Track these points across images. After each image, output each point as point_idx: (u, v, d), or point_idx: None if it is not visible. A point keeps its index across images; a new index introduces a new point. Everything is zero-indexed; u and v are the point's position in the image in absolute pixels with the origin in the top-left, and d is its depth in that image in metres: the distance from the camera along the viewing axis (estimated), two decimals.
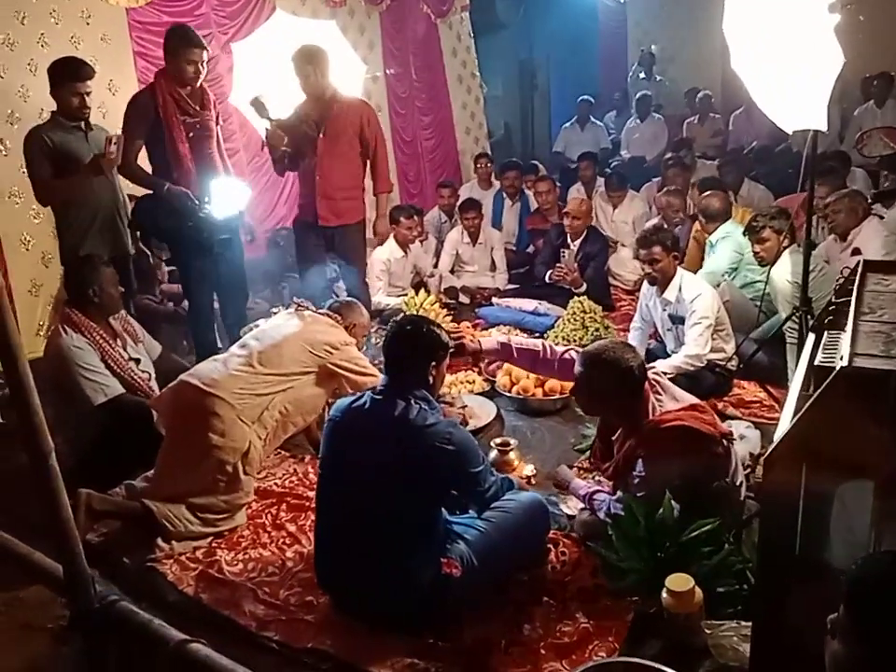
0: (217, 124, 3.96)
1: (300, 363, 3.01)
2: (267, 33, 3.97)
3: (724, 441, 2.43)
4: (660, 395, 2.48)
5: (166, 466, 2.85)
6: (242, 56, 3.96)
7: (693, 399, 2.54)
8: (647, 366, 3.49)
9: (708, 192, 4.73)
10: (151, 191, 3.75)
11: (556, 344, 4.23)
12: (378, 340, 4.29)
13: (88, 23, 4.43)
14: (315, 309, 3.33)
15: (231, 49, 4.14)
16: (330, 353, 3.07)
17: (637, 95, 8.45)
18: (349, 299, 3.63)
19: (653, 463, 2.35)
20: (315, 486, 2.72)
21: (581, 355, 2.51)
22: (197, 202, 3.69)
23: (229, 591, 2.49)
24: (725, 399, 3.73)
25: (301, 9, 5.64)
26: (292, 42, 3.83)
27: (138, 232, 4.14)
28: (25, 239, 4.11)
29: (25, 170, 4.05)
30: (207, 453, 2.76)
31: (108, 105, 4.41)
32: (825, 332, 1.92)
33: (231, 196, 3.80)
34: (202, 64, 3.68)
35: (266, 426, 2.93)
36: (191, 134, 3.73)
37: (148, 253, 4.41)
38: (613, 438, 2.57)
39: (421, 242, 5.82)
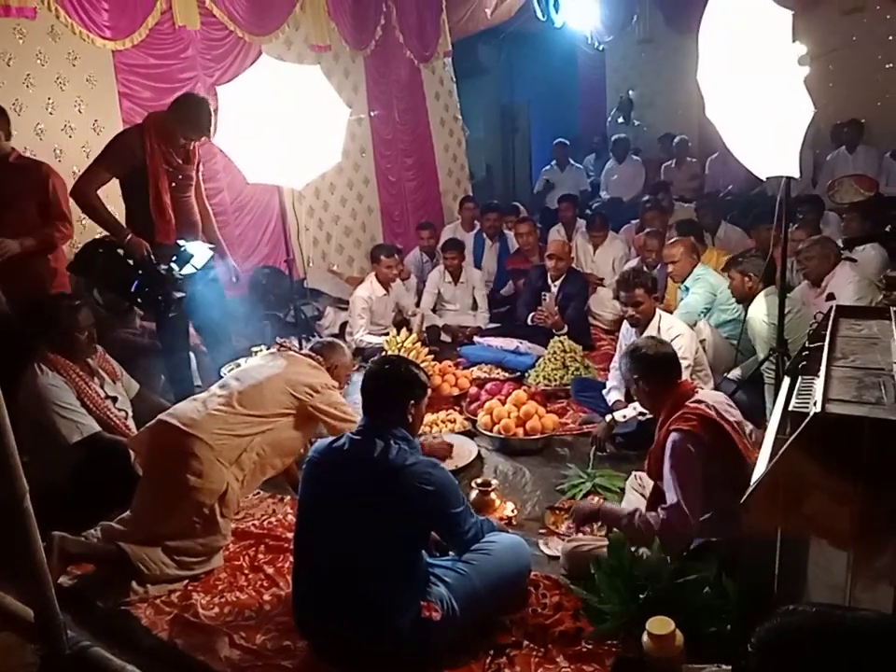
0: (198, 171, 4.01)
1: (280, 405, 2.99)
2: (252, 76, 4.01)
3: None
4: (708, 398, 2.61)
5: (143, 507, 2.81)
6: (227, 99, 4.00)
7: None
8: (631, 407, 3.60)
9: (673, 240, 4.82)
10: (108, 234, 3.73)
11: (537, 383, 4.31)
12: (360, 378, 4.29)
13: (74, 65, 4.46)
14: (297, 349, 3.33)
15: (216, 91, 4.18)
16: (311, 395, 3.05)
17: (614, 138, 8.63)
18: (332, 339, 3.63)
19: (682, 439, 2.43)
20: (293, 527, 2.69)
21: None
22: (154, 258, 3.67)
23: (204, 635, 2.45)
24: None
25: (286, 54, 5.75)
26: (277, 86, 3.89)
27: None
28: None
29: None
30: (185, 494, 2.72)
31: (92, 145, 4.43)
32: (799, 377, 1.95)
33: (192, 256, 3.80)
34: (197, 143, 3.84)
35: (244, 467, 2.90)
36: (174, 184, 3.78)
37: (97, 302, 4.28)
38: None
39: (403, 280, 5.87)
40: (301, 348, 4.02)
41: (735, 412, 2.65)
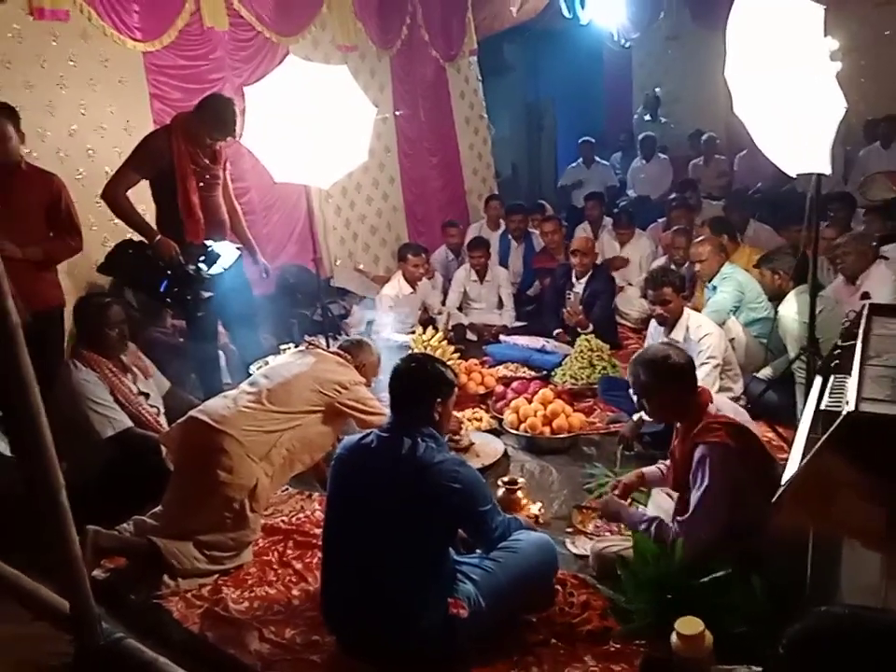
0: (225, 170, 4.05)
1: (308, 402, 3.02)
2: (280, 77, 4.04)
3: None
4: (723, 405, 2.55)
5: (174, 502, 2.86)
6: (254, 99, 4.04)
7: None
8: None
9: (700, 239, 4.76)
10: (139, 234, 3.78)
11: (563, 382, 4.30)
12: (385, 376, 4.31)
13: (105, 66, 4.53)
14: (325, 348, 3.36)
15: (243, 91, 4.23)
16: (339, 392, 3.08)
17: (641, 136, 8.56)
18: (359, 338, 3.65)
19: (712, 449, 2.36)
20: (321, 524, 2.71)
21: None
22: (182, 258, 3.72)
23: (234, 629, 2.48)
24: None
25: (313, 54, 5.78)
26: (304, 86, 3.92)
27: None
28: None
29: None
30: (215, 489, 2.76)
31: (124, 146, 4.48)
32: (832, 375, 1.93)
33: (220, 256, 3.85)
34: (224, 143, 3.87)
35: (273, 462, 2.93)
36: (201, 184, 3.83)
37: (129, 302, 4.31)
38: (672, 447, 2.58)
39: (428, 279, 5.88)
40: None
41: (745, 414, 2.62)
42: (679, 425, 2.63)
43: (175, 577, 2.68)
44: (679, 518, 2.45)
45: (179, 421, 2.98)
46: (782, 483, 1.68)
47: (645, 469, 2.93)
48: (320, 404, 3.05)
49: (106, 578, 2.74)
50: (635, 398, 2.72)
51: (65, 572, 1.78)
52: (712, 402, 2.53)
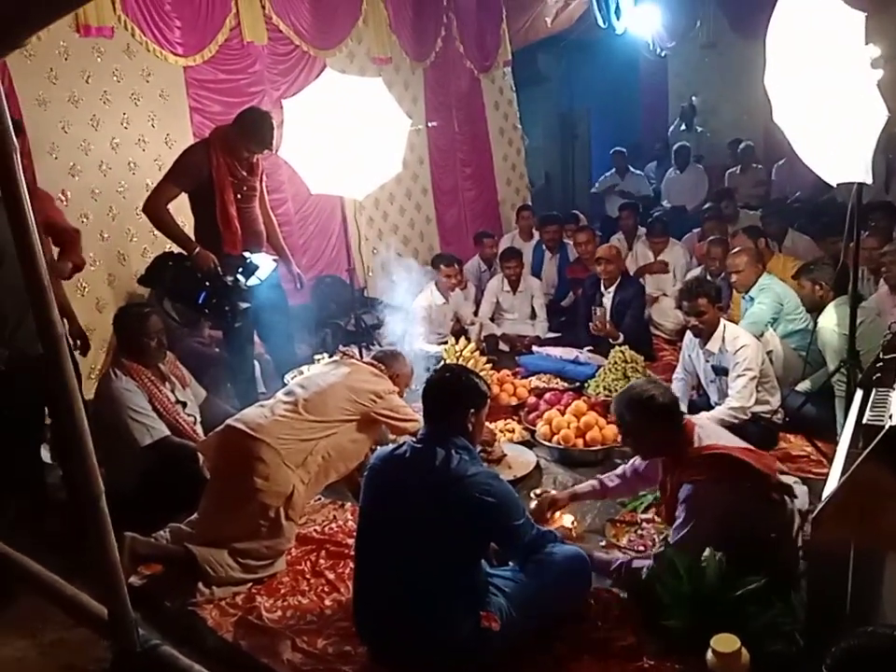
0: (262, 182, 4.12)
1: (343, 411, 3.05)
2: (317, 89, 4.10)
3: (782, 490, 2.40)
4: (705, 433, 2.51)
5: (210, 509, 2.90)
6: (292, 111, 4.10)
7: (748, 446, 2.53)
8: (693, 418, 3.54)
9: (737, 249, 4.70)
10: (178, 247, 3.85)
11: (597, 393, 4.26)
12: (418, 387, 4.32)
13: (147, 81, 4.65)
14: (359, 358, 3.38)
15: (282, 104, 4.30)
16: (374, 402, 3.11)
17: (676, 146, 8.49)
18: (393, 349, 3.68)
19: (696, 489, 2.35)
20: (354, 533, 2.72)
21: (614, 400, 2.63)
22: (220, 269, 3.78)
23: (267, 638, 2.50)
24: (771, 453, 3.65)
25: (349, 67, 5.85)
26: (341, 99, 3.97)
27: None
28: (81, 285, 4.26)
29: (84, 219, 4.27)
30: (251, 496, 2.79)
31: (164, 158, 4.60)
32: (873, 389, 1.89)
33: (258, 268, 3.91)
34: (261, 156, 3.93)
35: (309, 470, 2.96)
36: (239, 196, 3.89)
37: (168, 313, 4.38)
38: (661, 480, 2.57)
39: (461, 289, 5.88)
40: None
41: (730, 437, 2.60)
42: (662, 460, 2.63)
43: (209, 585, 2.70)
44: (655, 552, 2.46)
45: (217, 429, 3.02)
46: (822, 498, 1.65)
47: (577, 488, 3.00)
48: (355, 413, 3.07)
49: (143, 584, 2.78)
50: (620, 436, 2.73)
51: (104, 578, 1.81)
52: (696, 431, 2.50)
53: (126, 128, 4.56)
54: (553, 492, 3.05)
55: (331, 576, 2.84)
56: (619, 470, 2.97)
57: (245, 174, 3.92)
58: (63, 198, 4.17)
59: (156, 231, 4.30)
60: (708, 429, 2.57)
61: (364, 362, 3.35)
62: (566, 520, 3.01)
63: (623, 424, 2.58)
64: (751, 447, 2.51)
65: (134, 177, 4.58)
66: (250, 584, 2.78)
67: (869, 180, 2.82)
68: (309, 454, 2.94)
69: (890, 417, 1.53)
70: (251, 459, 2.81)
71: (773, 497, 2.37)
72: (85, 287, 4.25)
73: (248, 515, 2.80)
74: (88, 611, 2.08)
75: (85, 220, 4.30)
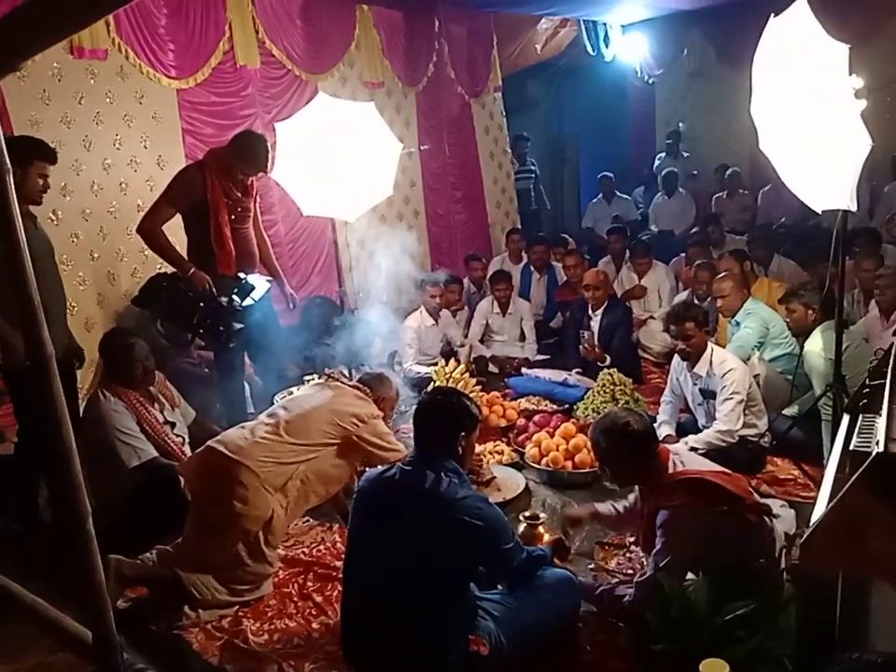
0: (256, 203, 4.14)
1: (325, 434, 3.01)
2: (309, 113, 4.14)
3: (760, 512, 2.41)
4: (681, 460, 2.53)
5: (192, 533, 2.86)
6: (284, 135, 4.13)
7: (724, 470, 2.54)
8: (682, 442, 3.57)
9: (722, 274, 4.75)
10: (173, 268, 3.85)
11: (586, 416, 4.27)
12: (407, 408, 4.32)
13: (140, 103, 4.66)
14: (345, 381, 3.37)
15: (274, 127, 4.33)
16: (357, 425, 3.06)
17: (663, 172, 8.59)
18: (380, 372, 3.66)
19: (672, 514, 2.37)
20: (342, 556, 2.71)
21: (590, 428, 2.64)
22: (215, 290, 3.78)
23: (254, 662, 2.47)
24: (759, 476, 3.67)
25: (341, 91, 5.90)
26: (333, 122, 4.01)
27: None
28: (71, 305, 4.24)
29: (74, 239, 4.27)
30: (231, 521, 2.76)
31: (156, 179, 4.61)
32: (860, 415, 1.91)
33: (254, 288, 3.93)
34: (255, 178, 3.95)
35: (288, 494, 2.91)
36: (233, 217, 3.91)
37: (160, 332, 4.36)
38: (640, 508, 2.58)
39: (454, 312, 5.90)
40: (350, 377, 4.07)
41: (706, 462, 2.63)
42: (640, 488, 2.65)
43: (195, 608, 2.68)
44: (637, 580, 2.46)
45: (197, 451, 3.00)
46: (810, 523, 1.66)
47: (598, 506, 2.95)
48: (337, 437, 3.03)
49: (128, 607, 2.75)
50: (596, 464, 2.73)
51: (89, 601, 1.79)
52: (672, 458, 2.51)
53: (118, 149, 4.57)
54: (577, 507, 3.00)
55: (319, 599, 2.82)
56: (631, 498, 2.92)
57: (239, 195, 3.94)
58: (55, 218, 4.16)
59: (146, 252, 4.30)
60: (684, 456, 2.59)
61: (349, 385, 3.31)
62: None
63: (599, 451, 2.59)
64: (727, 471, 2.52)
65: (126, 198, 4.58)
66: (237, 607, 2.76)
67: (854, 207, 2.86)
68: (289, 477, 2.89)
69: (877, 444, 1.54)
70: (230, 482, 2.77)
71: (750, 518, 2.38)
72: (75, 307, 4.23)
73: (229, 540, 2.76)
74: (71, 635, 2.05)
75: (75, 240, 4.29)
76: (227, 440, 2.93)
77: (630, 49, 8.84)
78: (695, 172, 9.05)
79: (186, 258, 3.88)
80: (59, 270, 3.47)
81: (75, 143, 4.32)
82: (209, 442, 2.96)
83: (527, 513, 3.07)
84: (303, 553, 3.16)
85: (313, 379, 4.12)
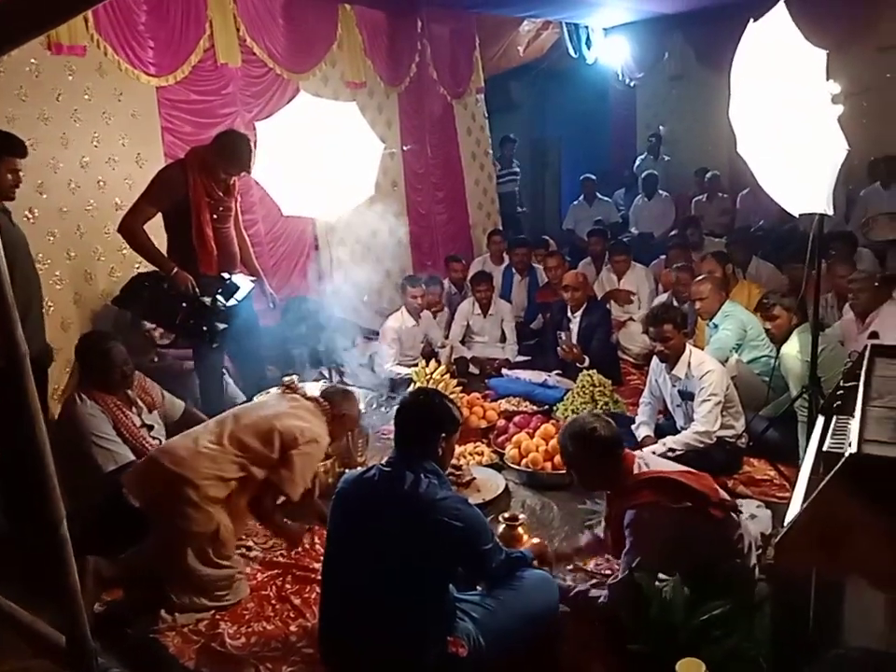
0: (236, 202, 4.12)
1: (268, 446, 2.88)
2: (290, 113, 4.12)
3: (725, 508, 2.44)
4: (645, 463, 2.56)
5: (150, 547, 2.80)
6: (265, 134, 4.11)
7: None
8: (661, 443, 3.60)
9: (701, 277, 4.79)
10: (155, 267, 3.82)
11: (566, 416, 4.29)
12: (388, 408, 4.31)
13: (119, 100, 4.61)
14: (304, 392, 3.26)
15: (255, 126, 4.31)
16: (296, 440, 2.91)
17: (644, 174, 8.65)
18: (345, 387, 3.53)
19: (638, 513, 2.39)
20: (321, 558, 2.70)
21: (559, 433, 2.67)
22: (199, 291, 3.76)
23: (231, 666, 2.46)
24: (735, 476, 3.71)
25: (323, 90, 5.87)
26: (314, 122, 3.99)
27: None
28: (46, 304, 4.18)
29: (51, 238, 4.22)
30: (175, 535, 2.71)
31: (135, 178, 4.56)
32: (834, 416, 1.93)
33: (238, 288, 3.90)
34: (237, 177, 3.92)
35: (233, 506, 2.84)
36: (215, 216, 3.89)
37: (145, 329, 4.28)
38: (606, 514, 2.60)
39: (435, 313, 5.90)
40: (330, 378, 4.06)
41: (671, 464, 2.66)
42: (607, 493, 2.67)
43: (171, 611, 2.66)
44: (610, 583, 2.48)
45: (138, 463, 2.90)
46: (784, 524, 1.68)
47: (581, 541, 2.95)
48: (275, 451, 2.89)
49: (103, 611, 2.72)
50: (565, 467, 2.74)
51: (63, 605, 1.77)
52: (637, 462, 2.54)
53: (96, 147, 4.52)
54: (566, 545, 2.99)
55: (297, 601, 2.81)
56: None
57: (221, 194, 3.91)
58: (31, 216, 4.11)
59: (124, 251, 4.25)
60: (648, 459, 2.63)
61: (308, 398, 3.19)
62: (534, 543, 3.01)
63: (566, 455, 2.62)
64: (691, 470, 2.55)
65: (104, 196, 4.53)
66: (213, 611, 2.73)
67: (830, 211, 2.90)
68: (232, 490, 2.81)
69: (850, 445, 1.56)
70: (171, 497, 2.70)
71: (715, 514, 2.41)
72: (51, 307, 4.18)
73: (177, 552, 2.70)
74: (45, 639, 2.02)
75: (52, 239, 4.24)
76: (170, 449, 2.84)
77: (612, 52, 8.89)
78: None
79: (166, 254, 3.85)
80: (35, 267, 3.43)
81: (52, 140, 4.26)
82: (152, 452, 2.89)
83: (507, 514, 3.08)
84: (282, 555, 3.14)
85: (292, 380, 4.10)
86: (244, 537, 3.19)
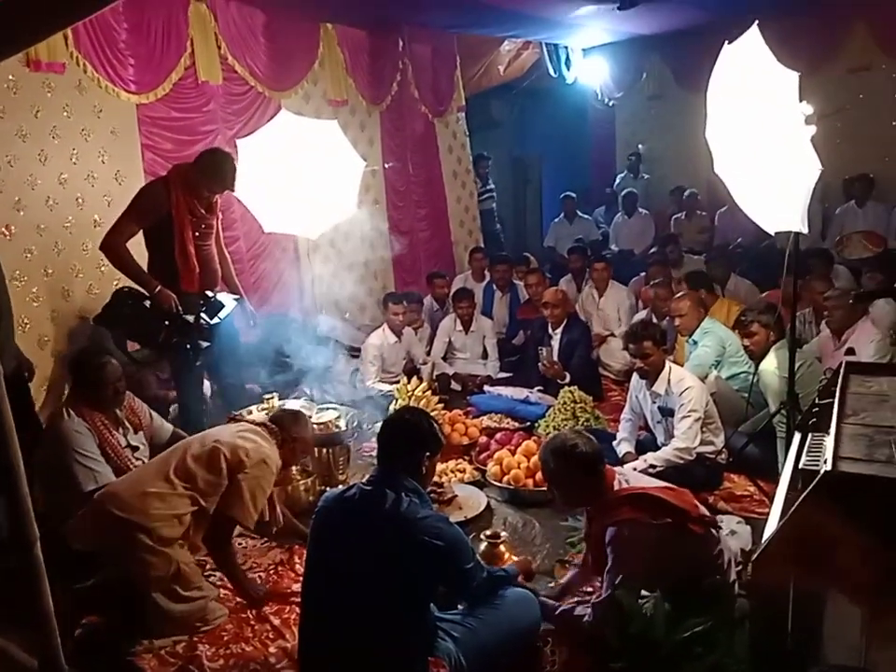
0: (218, 220, 4.11)
1: (214, 472, 2.82)
2: (272, 130, 4.13)
3: (705, 524, 2.45)
4: (626, 479, 2.57)
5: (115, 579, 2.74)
6: (246, 151, 4.12)
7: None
8: (641, 459, 3.61)
9: (680, 294, 4.83)
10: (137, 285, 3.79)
11: (547, 433, 4.30)
12: (369, 426, 4.29)
13: (99, 117, 4.59)
14: (251, 420, 3.22)
15: (236, 143, 4.31)
16: (242, 463, 2.84)
17: (623, 192, 8.75)
18: (296, 410, 3.45)
19: (619, 529, 2.39)
20: (300, 578, 2.67)
21: (540, 449, 2.66)
22: (181, 309, 3.74)
23: None
24: (716, 492, 3.73)
25: (304, 108, 5.90)
26: (296, 139, 4.00)
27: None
28: (23, 321, 4.14)
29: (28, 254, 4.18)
30: (139, 580, 2.65)
31: (114, 195, 4.54)
32: (810, 433, 1.95)
33: (223, 306, 3.90)
34: (220, 195, 3.92)
35: (190, 540, 2.79)
36: (197, 233, 3.88)
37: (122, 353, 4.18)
38: (586, 532, 2.60)
39: (415, 330, 5.91)
40: (312, 396, 4.03)
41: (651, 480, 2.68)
42: (587, 510, 2.67)
43: (149, 634, 2.61)
44: (594, 601, 2.48)
45: (84, 510, 2.79)
46: (763, 539, 1.69)
47: (567, 581, 2.88)
48: (223, 477, 2.82)
49: (78, 634, 2.67)
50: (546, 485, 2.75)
51: (36, 628, 1.73)
52: (617, 478, 2.55)
53: (75, 163, 4.49)
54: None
55: (276, 622, 2.78)
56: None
57: (203, 212, 3.90)
58: (7, 233, 4.07)
59: (103, 268, 4.22)
60: (629, 475, 2.63)
61: (257, 424, 3.12)
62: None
63: (547, 472, 2.61)
64: (671, 486, 2.56)
65: (82, 213, 4.50)
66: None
67: (805, 230, 2.94)
68: (187, 526, 2.75)
69: (825, 462, 1.57)
70: (125, 544, 2.64)
71: (695, 530, 2.42)
72: (27, 325, 4.14)
73: (146, 597, 2.65)
74: (16, 663, 1.99)
75: (29, 255, 4.20)
76: (115, 494, 2.74)
77: (591, 72, 9.02)
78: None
79: (146, 271, 3.83)
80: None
81: (30, 157, 4.24)
82: (99, 495, 2.78)
83: (489, 532, 3.08)
84: (260, 576, 3.10)
85: (273, 398, 4.08)
86: None
